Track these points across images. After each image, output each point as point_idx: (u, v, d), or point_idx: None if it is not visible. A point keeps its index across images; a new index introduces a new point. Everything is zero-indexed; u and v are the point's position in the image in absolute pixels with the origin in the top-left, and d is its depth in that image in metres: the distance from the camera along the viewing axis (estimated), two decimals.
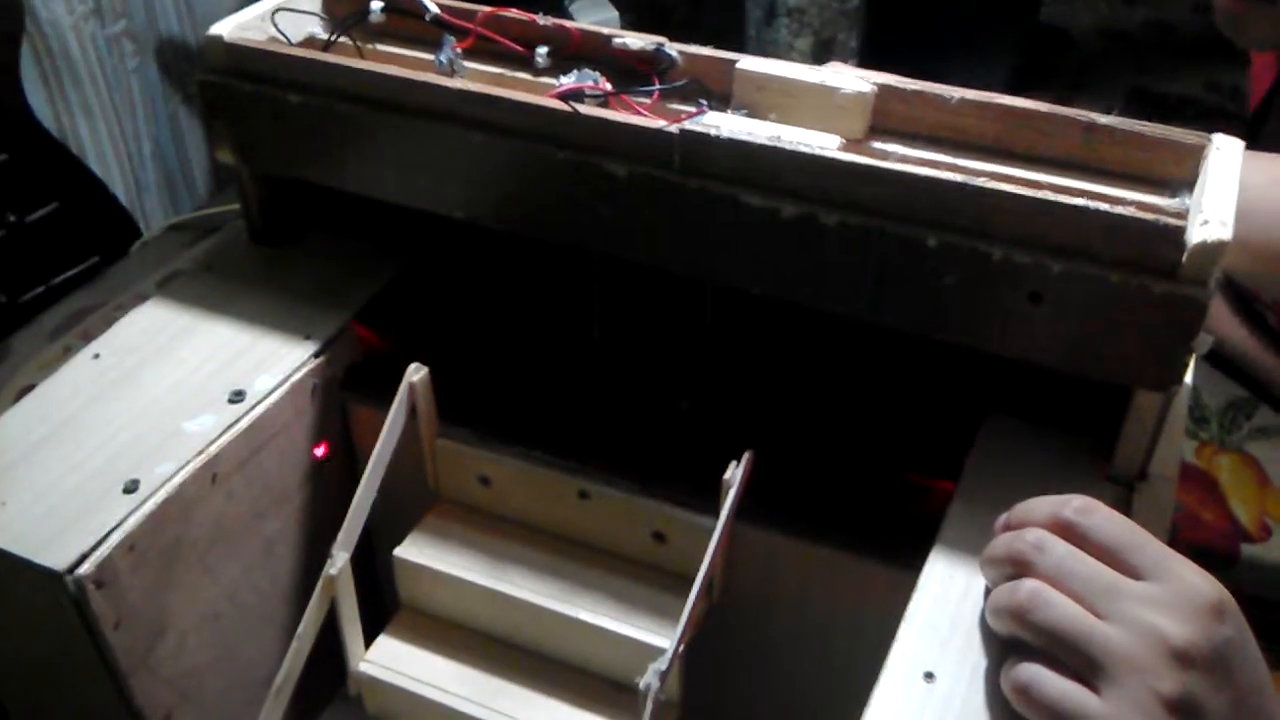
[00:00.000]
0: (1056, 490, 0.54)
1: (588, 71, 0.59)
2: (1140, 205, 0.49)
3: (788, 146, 0.51)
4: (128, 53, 1.50)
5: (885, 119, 0.57)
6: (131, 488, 0.54)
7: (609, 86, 0.59)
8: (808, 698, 0.62)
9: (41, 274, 1.29)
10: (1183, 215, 0.50)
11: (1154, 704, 0.37)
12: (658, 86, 0.59)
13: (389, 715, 0.62)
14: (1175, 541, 0.45)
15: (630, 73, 0.61)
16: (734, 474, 0.54)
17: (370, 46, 0.66)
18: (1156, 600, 0.40)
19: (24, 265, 1.27)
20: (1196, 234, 0.47)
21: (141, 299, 0.67)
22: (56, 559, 0.50)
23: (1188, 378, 0.56)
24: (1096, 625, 0.40)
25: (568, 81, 0.59)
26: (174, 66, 1.55)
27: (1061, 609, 0.40)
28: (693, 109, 0.58)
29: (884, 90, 0.57)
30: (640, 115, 0.56)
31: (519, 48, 0.62)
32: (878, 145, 0.57)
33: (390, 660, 0.60)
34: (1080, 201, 0.48)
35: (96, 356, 0.62)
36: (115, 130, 1.50)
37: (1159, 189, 0.53)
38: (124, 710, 0.55)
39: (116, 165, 1.52)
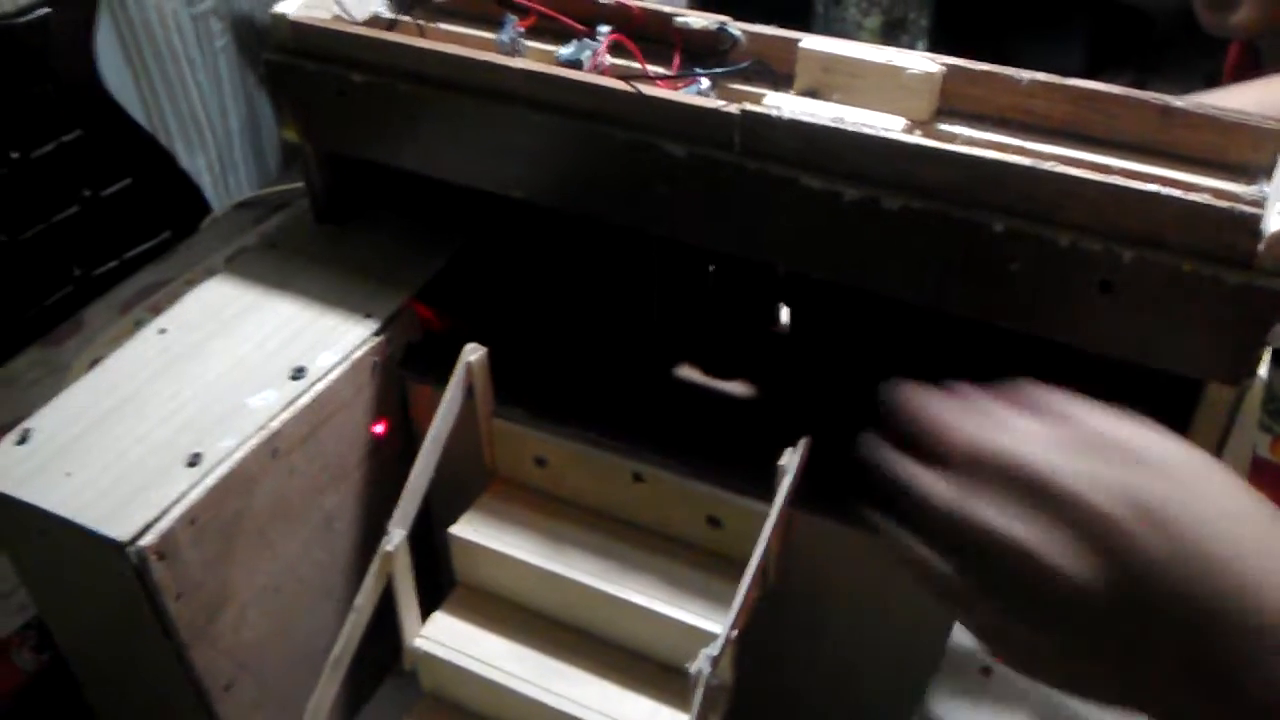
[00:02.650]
0: None
1: (587, 41, 0.59)
2: (1216, 192, 0.47)
3: (850, 128, 0.51)
4: (216, 31, 1.52)
5: (953, 100, 0.56)
6: (194, 461, 0.54)
7: (608, 57, 0.58)
8: (861, 685, 0.62)
9: (114, 248, 1.32)
10: (1260, 203, 0.48)
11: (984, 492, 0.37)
12: (718, 70, 0.58)
13: (443, 690, 0.62)
14: None
15: (694, 53, 0.60)
16: (790, 460, 0.53)
17: (433, 25, 0.66)
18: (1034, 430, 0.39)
19: (97, 239, 1.30)
20: (1274, 222, 0.45)
21: (210, 275, 0.68)
22: (120, 530, 0.51)
23: (1262, 371, 0.54)
24: (955, 422, 0.39)
25: (566, 53, 0.58)
26: (249, 45, 1.57)
27: (936, 405, 0.40)
28: (759, 90, 0.57)
29: (952, 71, 0.56)
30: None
31: (580, 26, 0.61)
32: (944, 127, 0.56)
33: (445, 637, 0.61)
34: (1153, 188, 0.46)
35: (162, 331, 0.63)
36: (199, 108, 1.52)
37: (1236, 175, 0.52)
38: (185, 680, 0.56)
39: (199, 141, 1.54)
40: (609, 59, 0.59)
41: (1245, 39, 0.95)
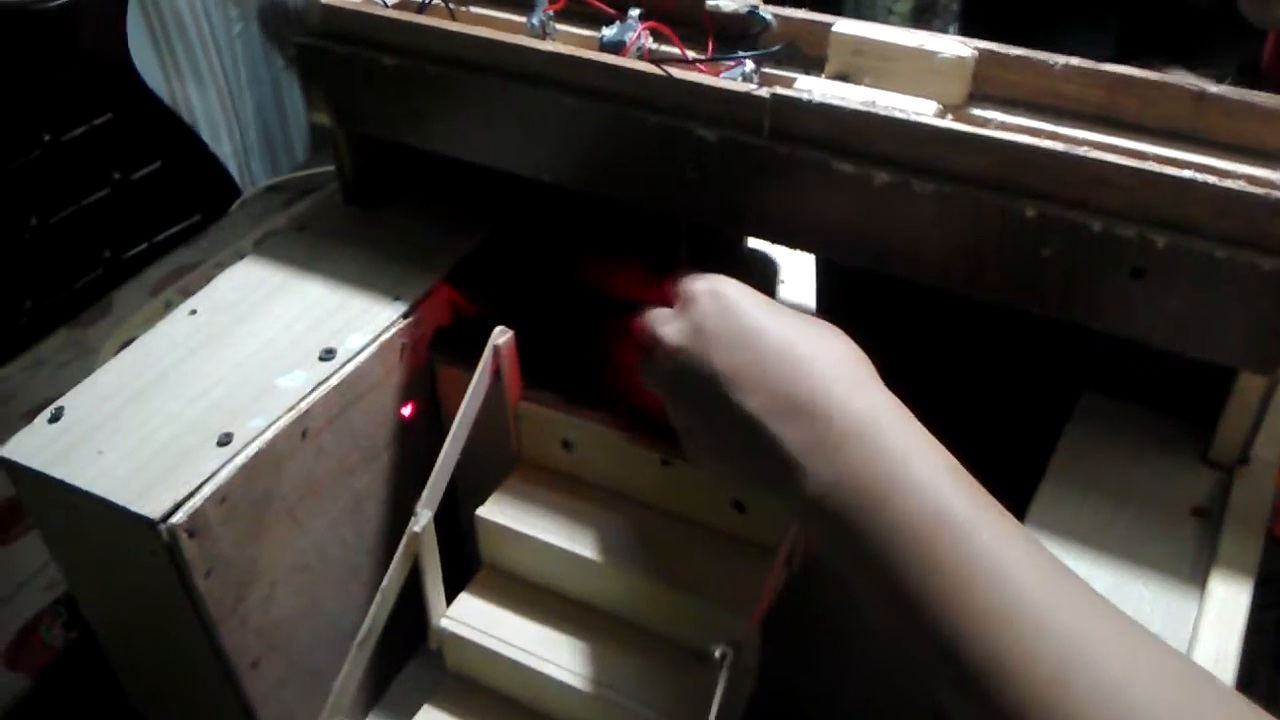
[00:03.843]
0: (1151, 471, 0.53)
1: (631, 23, 0.59)
2: (1251, 179, 0.47)
3: (881, 112, 0.50)
4: (233, 17, 1.53)
5: (986, 85, 0.56)
6: (225, 441, 0.55)
7: (651, 40, 0.58)
8: (885, 671, 0.61)
9: (145, 231, 1.33)
10: None
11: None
12: (754, 53, 0.58)
13: (468, 671, 0.63)
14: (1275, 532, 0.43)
15: (726, 37, 0.60)
16: None
17: (464, 8, 0.66)
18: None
19: (128, 222, 1.31)
20: None
21: (239, 257, 0.69)
22: (151, 508, 0.51)
23: None
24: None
25: (610, 34, 0.58)
26: (275, 30, 1.57)
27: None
28: (790, 74, 0.57)
29: (984, 55, 0.55)
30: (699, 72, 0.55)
31: (610, 9, 0.61)
32: (976, 112, 0.55)
33: (470, 617, 0.61)
34: (1187, 174, 0.46)
35: (193, 312, 0.63)
36: (224, 92, 1.53)
37: (1272, 162, 0.51)
38: (213, 657, 0.57)
39: (224, 126, 1.55)
40: (650, 42, 0.59)
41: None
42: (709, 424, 0.49)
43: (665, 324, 0.50)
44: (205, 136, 1.48)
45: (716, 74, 0.56)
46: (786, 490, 0.45)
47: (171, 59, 1.45)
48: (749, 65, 0.57)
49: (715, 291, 0.49)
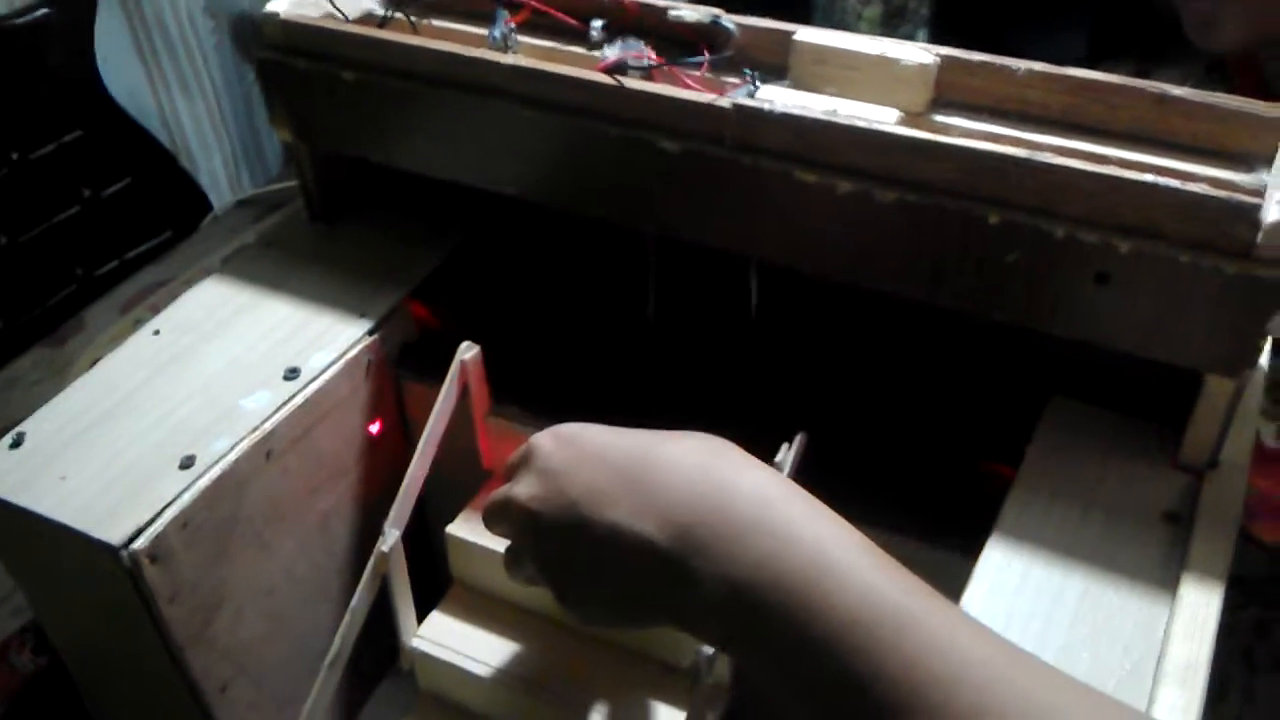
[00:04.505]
0: (1121, 476, 0.53)
1: (633, 41, 0.58)
2: (1214, 181, 0.47)
3: (843, 121, 0.50)
4: (206, 30, 1.52)
5: (949, 91, 0.56)
6: (187, 464, 0.54)
7: (654, 57, 0.58)
8: None
9: (116, 248, 1.32)
10: (1259, 192, 0.47)
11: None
12: (706, 58, 0.57)
13: (440, 690, 0.62)
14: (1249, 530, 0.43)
15: (687, 45, 0.59)
16: (786, 456, 0.53)
17: (425, 22, 0.66)
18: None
19: (98, 239, 1.30)
20: (1273, 212, 0.44)
21: (209, 274, 0.68)
22: (112, 533, 0.51)
23: (1262, 361, 0.53)
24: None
25: (613, 53, 0.58)
26: (243, 43, 1.57)
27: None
28: (754, 84, 0.57)
29: (947, 61, 0.55)
30: (691, 88, 0.55)
31: (573, 21, 0.61)
32: (939, 119, 0.55)
33: (442, 636, 0.60)
34: (1150, 178, 0.46)
35: (157, 333, 0.63)
36: (212, 104, 1.53)
37: (1235, 164, 0.51)
38: (181, 681, 0.56)
39: (214, 138, 1.55)
40: (651, 58, 0.58)
41: (1234, 52, 0.94)
42: (576, 561, 0.45)
43: (514, 486, 0.47)
44: (194, 149, 1.47)
45: (724, 93, 0.55)
46: (677, 607, 0.41)
47: (159, 71, 1.45)
48: (758, 86, 0.56)
49: (554, 432, 0.47)
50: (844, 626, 0.37)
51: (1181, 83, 0.53)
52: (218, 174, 1.57)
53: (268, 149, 1.68)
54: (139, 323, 0.98)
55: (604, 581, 0.44)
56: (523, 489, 0.47)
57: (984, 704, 0.34)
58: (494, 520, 0.50)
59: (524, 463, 0.48)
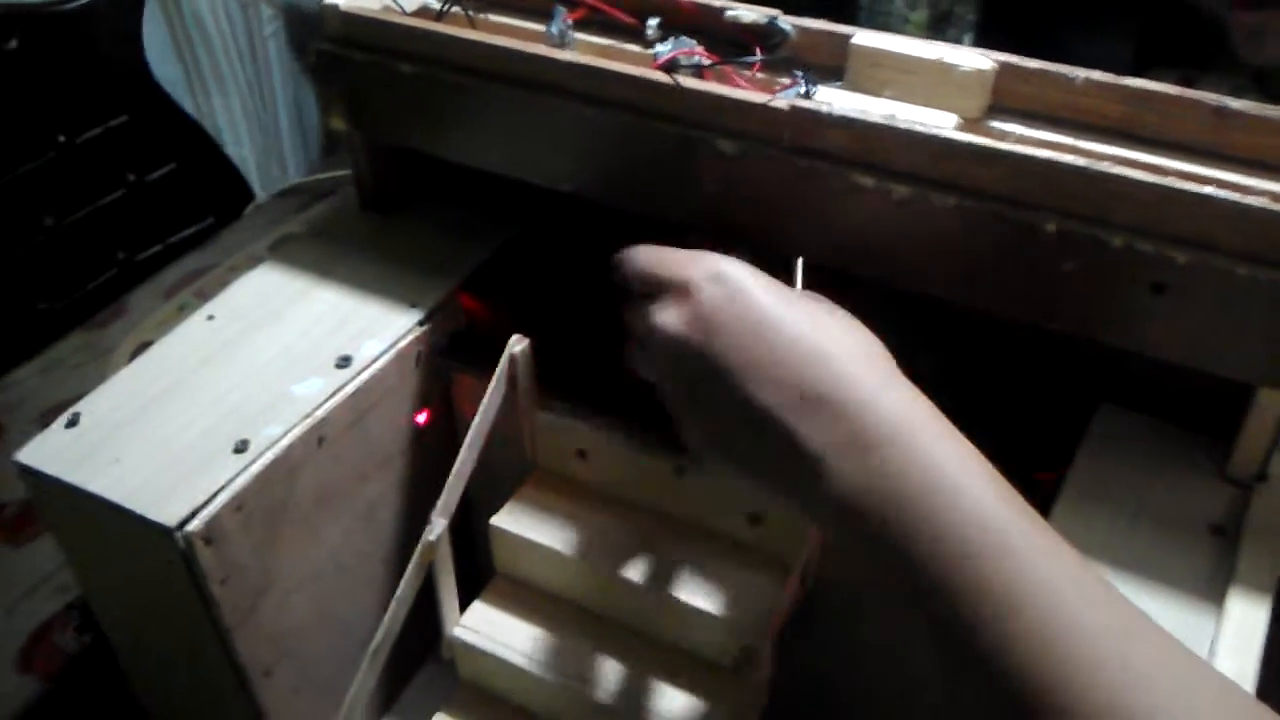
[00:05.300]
0: (1168, 486, 0.53)
1: (685, 39, 0.58)
2: (1273, 195, 0.47)
3: (901, 125, 0.50)
4: (265, 17, 1.53)
5: (1005, 98, 0.56)
6: (241, 448, 0.55)
7: (707, 55, 0.58)
8: (899, 687, 0.61)
9: (159, 233, 1.33)
10: None
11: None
12: (760, 57, 0.58)
13: (480, 680, 0.63)
14: None
15: (741, 46, 0.60)
16: None
17: (483, 16, 0.66)
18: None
19: (142, 224, 1.32)
20: None
21: (253, 261, 0.69)
22: (167, 515, 0.51)
23: None
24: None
25: (665, 51, 0.58)
26: (297, 33, 1.58)
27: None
28: (804, 85, 0.57)
29: (1004, 68, 0.55)
30: (743, 89, 0.55)
31: (629, 19, 0.61)
32: (996, 125, 0.55)
33: (483, 626, 0.61)
34: (1207, 190, 0.46)
35: (210, 318, 0.64)
36: (246, 95, 1.54)
37: None
38: (227, 664, 0.57)
39: (246, 130, 1.56)
40: (703, 56, 0.58)
41: None
42: (715, 419, 0.46)
43: (662, 311, 0.47)
44: (227, 140, 1.49)
45: (775, 93, 0.55)
46: (804, 492, 0.42)
47: (194, 63, 1.46)
48: (805, 87, 0.56)
49: (720, 275, 0.46)
50: (956, 554, 0.38)
51: (1231, 93, 0.53)
52: (251, 164, 1.58)
53: (311, 139, 1.69)
54: (184, 308, 1.00)
55: (732, 448, 0.46)
56: (672, 320, 0.46)
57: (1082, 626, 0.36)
58: (632, 321, 0.50)
59: (677, 291, 0.46)
